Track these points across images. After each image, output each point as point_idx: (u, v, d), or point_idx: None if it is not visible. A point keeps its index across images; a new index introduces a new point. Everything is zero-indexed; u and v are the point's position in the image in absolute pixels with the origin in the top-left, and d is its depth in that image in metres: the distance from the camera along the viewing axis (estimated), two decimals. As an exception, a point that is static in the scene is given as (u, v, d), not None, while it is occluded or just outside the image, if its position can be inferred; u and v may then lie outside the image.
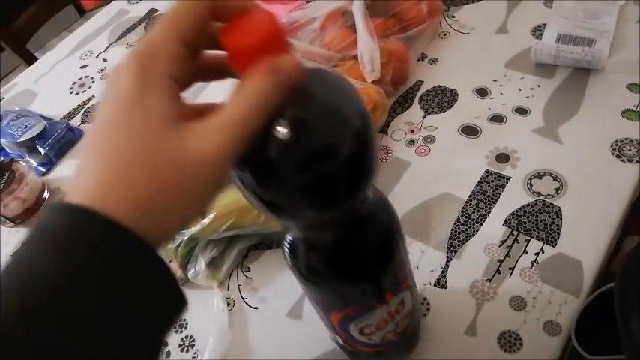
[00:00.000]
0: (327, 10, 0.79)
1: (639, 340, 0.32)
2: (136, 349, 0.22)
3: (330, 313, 0.41)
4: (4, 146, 0.89)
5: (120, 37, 1.05)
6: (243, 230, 0.61)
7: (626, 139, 0.61)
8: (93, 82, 0.97)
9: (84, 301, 0.20)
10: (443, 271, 0.56)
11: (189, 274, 0.61)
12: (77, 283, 0.20)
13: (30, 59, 1.34)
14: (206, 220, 0.59)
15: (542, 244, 0.55)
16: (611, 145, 0.60)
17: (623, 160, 0.59)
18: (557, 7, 0.75)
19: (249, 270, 0.63)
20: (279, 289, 0.60)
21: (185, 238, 0.60)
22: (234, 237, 0.63)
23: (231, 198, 0.60)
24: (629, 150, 0.60)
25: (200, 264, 0.61)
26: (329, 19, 0.79)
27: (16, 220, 0.78)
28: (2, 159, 0.83)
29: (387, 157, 0.68)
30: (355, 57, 0.74)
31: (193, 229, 0.60)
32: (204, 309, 0.60)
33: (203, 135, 0.23)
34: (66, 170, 0.84)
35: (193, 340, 0.58)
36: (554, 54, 0.67)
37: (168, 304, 0.24)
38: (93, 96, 0.94)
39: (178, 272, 0.62)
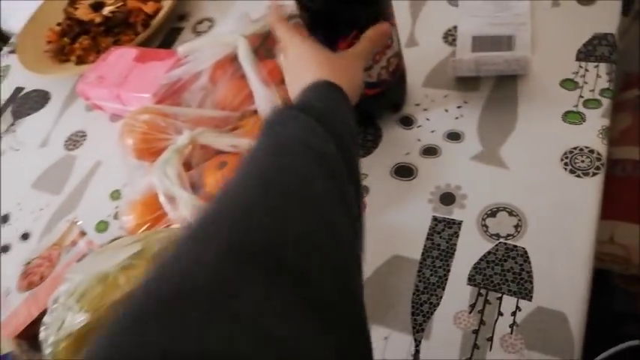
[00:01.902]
0: (212, 60, 0.68)
1: None
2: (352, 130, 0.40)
3: (337, 44, 0.51)
4: None
5: (-16, 131, 0.89)
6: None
7: (575, 148, 0.54)
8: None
9: (337, 109, 0.41)
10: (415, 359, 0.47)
11: None
12: (335, 104, 0.42)
13: None
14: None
15: (516, 299, 0.47)
16: (562, 159, 0.53)
17: (578, 175, 0.52)
18: (464, 5, 0.68)
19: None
20: None
21: None
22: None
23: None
24: (582, 161, 0.53)
25: None
26: (217, 69, 0.68)
27: None
28: None
29: (319, 223, 0.58)
30: (256, 112, 0.63)
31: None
32: None
33: (356, 48, 0.49)
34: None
35: None
36: (474, 68, 0.59)
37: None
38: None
39: None
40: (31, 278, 0.61)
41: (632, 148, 0.80)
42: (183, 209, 0.55)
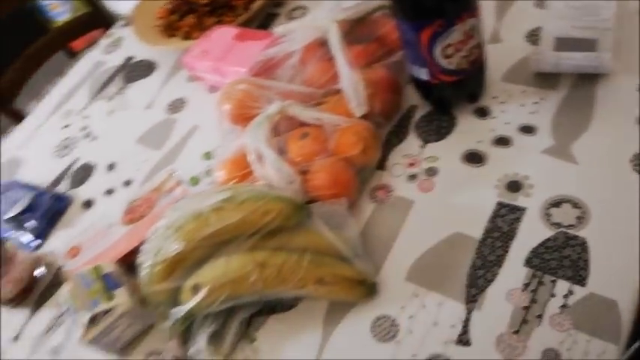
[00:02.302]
0: (304, 42, 0.74)
1: None
2: None
3: (422, 30, 0.56)
4: (-9, 224, 0.85)
5: (99, 91, 1.01)
6: (241, 300, 0.56)
7: (647, 151, 0.55)
8: (77, 142, 0.93)
9: None
10: (464, 326, 0.50)
11: (190, 352, 0.57)
12: None
13: (18, 119, 1.31)
14: (200, 295, 0.55)
15: (570, 284, 0.49)
16: (631, 160, 0.55)
17: (646, 176, 0.53)
18: (550, 7, 0.70)
19: (255, 340, 0.58)
20: (289, 356, 0.55)
21: (181, 315, 0.56)
22: (235, 306, 0.58)
23: (223, 269, 0.56)
24: (652, 165, 0.54)
25: (200, 341, 0.56)
26: (307, 52, 0.74)
27: (12, 303, 0.74)
28: (-10, 240, 0.80)
29: (388, 198, 0.63)
30: (339, 91, 0.69)
31: (188, 305, 0.55)
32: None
33: None
34: (58, 241, 0.79)
35: None
36: (554, 62, 0.61)
37: None
38: (78, 158, 0.90)
39: (178, 351, 0.58)
40: (132, 216, 0.70)
41: None
42: (269, 168, 0.62)
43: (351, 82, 0.66)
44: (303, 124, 0.68)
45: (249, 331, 0.59)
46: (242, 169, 0.66)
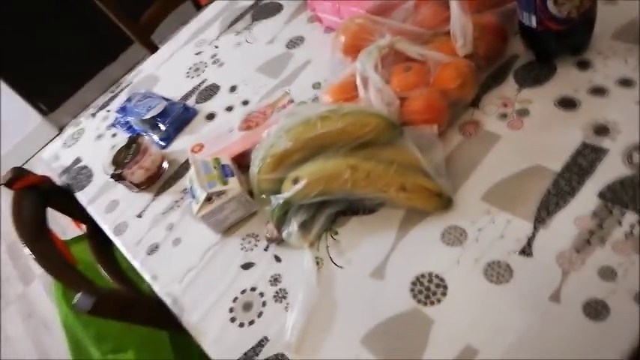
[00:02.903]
0: (422, -13, 0.80)
1: None
2: None
3: None
4: (132, 123, 1.02)
5: (229, 26, 1.14)
6: (331, 196, 0.65)
7: None
8: (206, 67, 1.07)
9: None
10: (529, 241, 0.55)
11: (284, 234, 0.67)
12: None
13: (154, 49, 1.50)
14: (299, 186, 0.64)
15: (639, 216, 0.52)
16: None
17: None
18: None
19: (337, 233, 0.67)
20: (364, 252, 0.63)
21: (280, 202, 0.66)
22: (324, 203, 0.67)
23: (321, 166, 0.64)
24: None
25: (293, 226, 0.66)
26: (423, -3, 0.80)
27: (141, 186, 0.89)
28: (130, 134, 0.96)
29: (476, 131, 0.68)
30: (447, 33, 0.74)
31: (287, 194, 0.65)
32: (297, 266, 0.65)
33: None
34: (182, 144, 0.94)
35: (286, 293, 0.64)
36: (665, 20, 0.62)
37: None
38: (205, 79, 1.04)
39: (274, 232, 0.68)
40: (249, 124, 0.82)
41: None
42: (372, 91, 0.70)
43: (460, 23, 0.72)
44: (408, 60, 0.74)
45: (334, 226, 0.68)
46: (347, 93, 0.74)
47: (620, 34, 0.69)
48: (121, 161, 0.87)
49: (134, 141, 0.89)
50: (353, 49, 0.78)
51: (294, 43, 1.00)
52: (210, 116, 0.95)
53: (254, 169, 0.69)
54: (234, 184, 0.71)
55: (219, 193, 0.71)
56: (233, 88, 0.98)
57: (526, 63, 0.73)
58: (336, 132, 0.64)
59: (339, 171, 0.63)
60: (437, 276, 0.57)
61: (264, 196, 0.69)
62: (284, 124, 0.68)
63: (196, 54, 1.12)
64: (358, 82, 0.72)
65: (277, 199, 0.66)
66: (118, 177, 0.87)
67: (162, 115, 0.97)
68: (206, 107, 0.98)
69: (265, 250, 0.69)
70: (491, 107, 0.70)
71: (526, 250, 0.55)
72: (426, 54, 0.72)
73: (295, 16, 1.07)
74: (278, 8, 1.12)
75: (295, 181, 0.65)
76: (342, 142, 0.65)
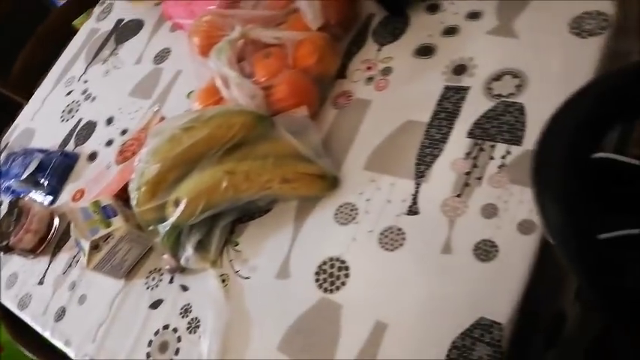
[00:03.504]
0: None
1: (553, 224, 0.30)
2: None
3: None
4: (13, 187, 0.94)
5: (95, 56, 1.07)
6: (219, 208, 0.61)
7: (586, 12, 0.56)
8: (79, 105, 1.00)
9: None
10: (413, 198, 0.54)
11: (182, 261, 0.63)
12: None
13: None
14: (180, 207, 0.61)
15: (507, 145, 0.52)
16: (569, 24, 0.56)
17: (583, 37, 0.54)
18: None
19: (237, 244, 0.64)
20: (267, 255, 0.61)
21: (167, 229, 0.62)
22: (216, 216, 0.63)
23: (197, 181, 0.61)
24: (589, 24, 0.55)
25: (188, 250, 0.63)
26: (269, -23, 0.77)
27: (35, 251, 0.82)
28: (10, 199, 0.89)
29: (348, 102, 0.66)
30: (298, 9, 0.71)
31: (171, 219, 0.61)
32: (205, 290, 0.62)
33: None
34: (70, 194, 0.87)
35: (199, 322, 0.60)
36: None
37: None
38: (81, 118, 0.97)
39: (172, 262, 0.64)
40: (125, 154, 0.77)
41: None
42: (233, 88, 0.67)
43: (306, -2, 0.69)
44: (267, 46, 0.71)
45: (233, 237, 0.64)
46: (213, 96, 0.70)
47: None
48: (6, 231, 0.80)
49: (14, 205, 0.82)
50: (209, 49, 0.74)
51: (162, 56, 0.95)
52: (92, 156, 0.89)
53: (133, 202, 0.64)
54: (118, 224, 0.67)
55: (105, 238, 0.66)
56: (109, 120, 0.92)
57: (382, 20, 0.71)
58: (203, 141, 0.61)
59: (217, 180, 0.60)
60: (337, 259, 0.55)
61: (151, 227, 0.64)
62: (151, 146, 0.64)
63: (67, 94, 1.05)
64: (218, 82, 0.68)
65: (164, 227, 0.62)
66: (6, 249, 0.80)
67: (40, 169, 0.90)
68: (86, 148, 0.92)
69: (170, 282, 0.66)
70: (357, 74, 0.68)
71: (413, 209, 0.54)
72: (280, 35, 0.69)
73: (157, 29, 1.02)
74: (139, 25, 1.06)
75: (176, 203, 0.61)
76: (213, 149, 0.61)
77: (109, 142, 0.89)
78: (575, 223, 0.28)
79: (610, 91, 0.30)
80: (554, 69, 0.54)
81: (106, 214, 0.68)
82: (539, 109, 0.52)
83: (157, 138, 0.64)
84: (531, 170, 0.32)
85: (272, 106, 0.66)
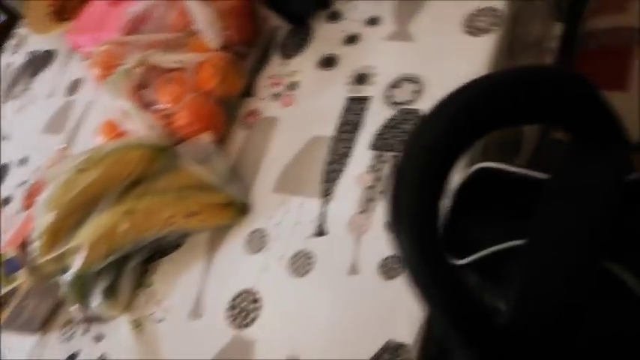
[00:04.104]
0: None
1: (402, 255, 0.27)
2: None
3: None
4: None
5: (8, 92, 1.02)
6: (121, 251, 0.58)
7: (478, 10, 0.54)
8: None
9: None
10: (321, 218, 0.52)
11: (91, 310, 0.59)
12: None
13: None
14: (81, 256, 0.56)
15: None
16: (462, 23, 0.54)
17: (476, 35, 0.53)
18: None
19: (151, 285, 0.60)
20: (180, 293, 0.57)
21: (70, 279, 0.58)
22: (124, 258, 0.60)
23: (96, 225, 0.57)
24: (482, 21, 0.53)
25: (96, 298, 0.58)
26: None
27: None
28: None
29: (256, 120, 0.64)
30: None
31: (74, 268, 0.57)
32: (118, 339, 0.58)
33: None
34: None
35: (115, 374, 0.56)
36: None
37: None
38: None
39: (82, 312, 0.60)
40: (31, 200, 0.72)
41: (606, 17, 0.77)
42: (135, 122, 0.63)
43: (202, 15, 0.66)
44: (170, 71, 0.68)
45: (145, 277, 0.61)
46: (115, 129, 0.67)
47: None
48: None
49: None
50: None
51: (73, 88, 0.91)
52: (6, 201, 0.84)
53: (34, 253, 0.60)
54: (23, 278, 0.62)
55: (10, 295, 0.61)
56: (23, 161, 0.87)
57: (286, 32, 0.69)
58: (99, 181, 0.57)
59: (115, 222, 0.56)
60: (249, 292, 0.52)
61: (55, 278, 0.60)
62: (46, 192, 0.60)
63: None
64: (116, 115, 0.64)
65: (66, 278, 0.58)
66: None
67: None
68: (2, 192, 0.86)
69: (85, 333, 0.61)
70: (264, 90, 0.66)
71: (320, 230, 0.51)
72: (180, 59, 0.66)
73: (70, 58, 0.97)
74: (51, 56, 1.01)
75: (75, 251, 0.57)
76: (111, 188, 0.58)
77: (23, 183, 0.84)
78: (421, 254, 0.25)
79: (459, 110, 0.28)
80: (449, 71, 0.52)
81: (9, 268, 0.64)
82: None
83: (53, 182, 0.60)
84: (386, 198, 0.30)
85: (175, 135, 0.62)
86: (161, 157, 0.59)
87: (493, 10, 0.53)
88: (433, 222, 0.26)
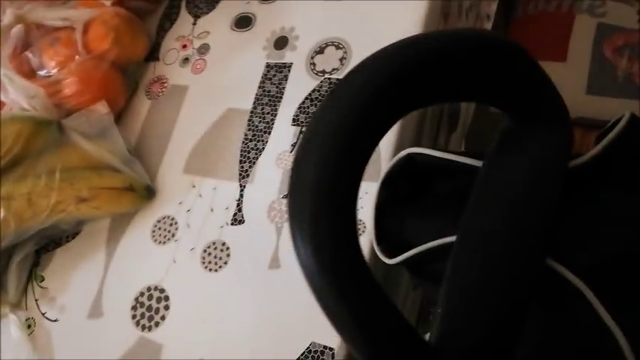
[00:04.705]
0: None
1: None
2: None
3: None
4: None
5: None
6: (6, 242, 0.49)
7: (410, -33, 0.49)
8: None
9: None
10: (238, 205, 0.46)
11: (-28, 311, 0.50)
12: None
13: None
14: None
15: (334, 132, 0.45)
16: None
17: (405, -3, 0.48)
18: None
19: (43, 279, 0.52)
20: (77, 290, 0.50)
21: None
22: (10, 250, 0.51)
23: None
24: (412, -19, 0.48)
25: (-24, 296, 0.50)
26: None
27: None
28: None
29: (164, 89, 0.56)
30: (88, -21, 0.58)
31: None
32: (8, 340, 0.50)
33: None
34: None
35: (1, 383, 0.49)
36: None
37: None
38: None
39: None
40: None
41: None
42: (13, 92, 0.53)
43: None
44: (56, 30, 0.58)
45: (37, 270, 0.53)
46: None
47: None
48: None
49: None
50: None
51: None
52: None
53: None
54: None
55: None
56: None
57: (197, -14, 0.60)
58: (-32, 163, 0.47)
59: (-9, 211, 0.47)
60: (156, 288, 0.46)
61: None
62: None
63: None
64: (-10, 82, 0.54)
65: None
66: None
67: None
68: None
69: (-34, 335, 0.52)
70: (172, 54, 0.57)
71: (237, 217, 0.45)
72: (66, 16, 0.56)
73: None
74: None
75: (-55, 244, 0.48)
76: (-14, 171, 0.48)
77: None
78: (322, 265, 0.21)
79: (385, 80, 0.23)
80: (377, 36, 0.47)
81: None
82: (365, 85, 0.45)
83: None
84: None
85: (62, 106, 0.53)
86: (44, 132, 0.50)
87: (425, -31, 0.48)
88: (343, 231, 0.21)
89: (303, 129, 0.46)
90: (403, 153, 0.34)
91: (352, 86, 0.22)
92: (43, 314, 0.50)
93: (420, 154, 0.32)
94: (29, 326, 0.50)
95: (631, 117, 0.30)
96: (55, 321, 0.49)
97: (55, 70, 0.55)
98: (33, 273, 0.53)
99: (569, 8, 0.61)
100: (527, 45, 0.32)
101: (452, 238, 0.28)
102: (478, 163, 0.31)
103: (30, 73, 0.56)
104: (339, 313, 0.21)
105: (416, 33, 0.43)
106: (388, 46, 0.23)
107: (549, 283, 0.27)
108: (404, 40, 0.24)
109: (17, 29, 0.56)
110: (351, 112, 0.21)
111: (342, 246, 0.21)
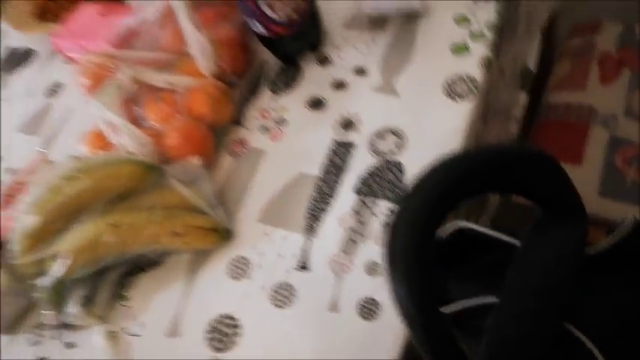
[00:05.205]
0: (160, 9, 0.76)
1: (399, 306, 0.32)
2: None
3: None
4: None
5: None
6: (102, 263, 0.59)
7: (457, 76, 0.61)
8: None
9: None
10: (303, 253, 0.56)
11: (65, 317, 0.60)
12: None
13: None
14: (64, 262, 0.58)
15: (390, 204, 0.55)
16: (444, 86, 0.60)
17: (454, 99, 0.59)
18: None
19: (127, 299, 0.62)
20: (157, 311, 0.59)
21: (47, 284, 0.59)
22: (103, 269, 0.61)
23: (79, 234, 0.58)
24: (461, 87, 0.60)
25: (72, 305, 0.60)
26: (165, 18, 0.76)
27: None
28: None
29: (244, 150, 0.67)
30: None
31: (52, 274, 0.58)
32: (90, 348, 0.59)
33: None
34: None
35: (83, 384, 0.58)
36: (374, 6, 0.66)
37: None
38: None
39: (55, 319, 0.61)
40: (8, 199, 0.72)
41: (567, 93, 0.86)
42: (124, 136, 0.65)
43: (197, 43, 0.69)
44: (159, 90, 0.70)
45: (122, 290, 0.62)
46: (102, 141, 0.68)
47: (349, 23, 0.72)
48: None
49: None
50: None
51: (54, 90, 0.90)
52: (-25, 198, 0.82)
53: (12, 253, 0.60)
54: (-3, 277, 0.62)
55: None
56: (-4, 159, 0.86)
57: (277, 69, 0.73)
58: (87, 192, 0.59)
59: (99, 233, 0.58)
60: (229, 316, 0.55)
61: (31, 281, 0.61)
62: (31, 194, 0.61)
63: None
64: (104, 127, 0.66)
65: (43, 283, 0.59)
66: None
67: None
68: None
69: (56, 339, 0.62)
70: (253, 122, 0.69)
71: (302, 265, 0.55)
72: (172, 81, 0.69)
73: (51, 59, 0.97)
74: (31, 54, 1.00)
75: (56, 257, 0.58)
76: (98, 199, 0.59)
77: (-5, 183, 0.82)
78: (416, 303, 0.30)
79: (444, 186, 0.34)
80: (429, 130, 0.58)
81: (-17, 267, 0.63)
82: (417, 168, 0.56)
83: (38, 186, 0.61)
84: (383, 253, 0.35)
85: (164, 154, 0.65)
86: (151, 174, 0.61)
87: (471, 79, 0.60)
88: (428, 271, 0.31)
89: (362, 197, 0.57)
90: (455, 225, 0.44)
91: (433, 180, 0.33)
92: (125, 328, 0.60)
93: (469, 228, 0.42)
94: (112, 338, 0.60)
95: (635, 220, 0.40)
96: (136, 336, 0.59)
97: (155, 123, 0.67)
98: (118, 293, 0.63)
99: (586, 119, 0.72)
100: (548, 147, 0.43)
101: (491, 299, 0.37)
102: (513, 240, 0.40)
103: (134, 121, 0.68)
104: (424, 338, 0.30)
105: (460, 131, 0.54)
106: (459, 152, 0.34)
107: (565, 342, 0.36)
108: (471, 149, 0.35)
109: (131, 86, 0.69)
110: (433, 196, 0.32)
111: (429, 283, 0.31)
